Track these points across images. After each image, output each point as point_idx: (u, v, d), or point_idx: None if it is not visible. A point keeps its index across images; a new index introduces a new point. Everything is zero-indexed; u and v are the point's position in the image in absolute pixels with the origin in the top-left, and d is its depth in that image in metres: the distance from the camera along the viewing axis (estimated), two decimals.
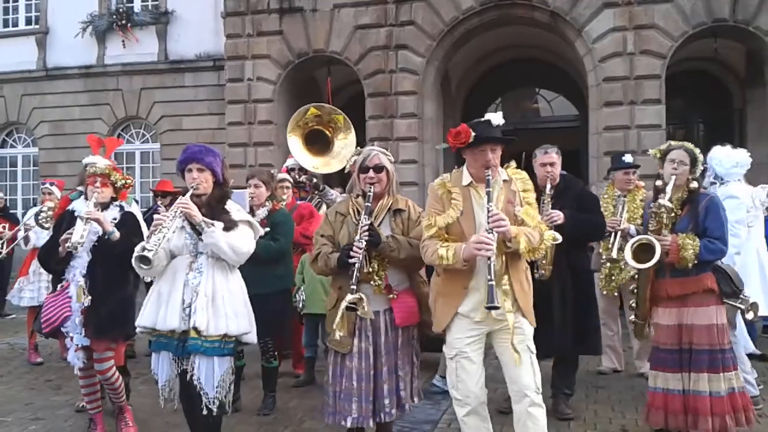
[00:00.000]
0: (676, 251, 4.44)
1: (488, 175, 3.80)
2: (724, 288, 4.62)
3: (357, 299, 3.88)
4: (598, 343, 5.64)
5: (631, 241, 4.57)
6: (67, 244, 4.75)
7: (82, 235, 4.75)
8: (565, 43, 12.99)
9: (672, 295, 4.56)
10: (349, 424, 4.06)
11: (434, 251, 3.81)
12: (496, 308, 3.60)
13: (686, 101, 14.47)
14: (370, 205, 4.06)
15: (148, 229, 4.42)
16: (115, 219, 5.02)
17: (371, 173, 4.13)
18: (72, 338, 4.92)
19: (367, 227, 3.97)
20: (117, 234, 4.89)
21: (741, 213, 5.63)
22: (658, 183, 4.72)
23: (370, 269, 4.03)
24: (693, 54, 13.01)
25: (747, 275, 5.57)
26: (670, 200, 4.58)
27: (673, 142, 4.85)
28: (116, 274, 4.94)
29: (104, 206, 5.06)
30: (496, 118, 3.88)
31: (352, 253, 3.91)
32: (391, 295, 4.09)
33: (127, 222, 5.05)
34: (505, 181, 3.97)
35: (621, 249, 6.44)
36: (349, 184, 4.42)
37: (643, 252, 4.48)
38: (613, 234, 6.43)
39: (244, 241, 4.20)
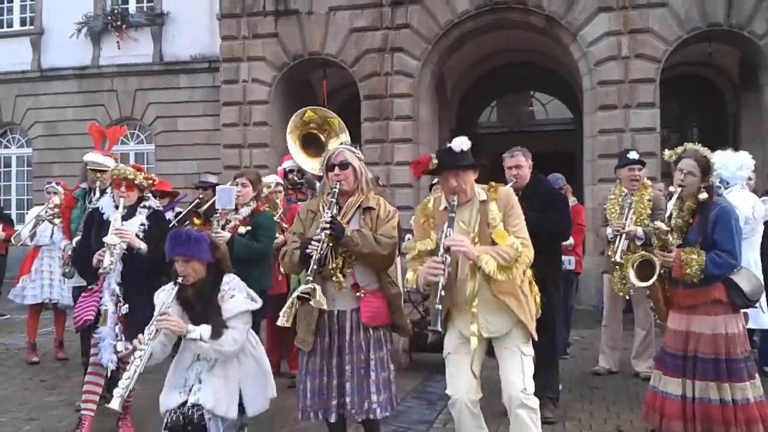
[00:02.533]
0: (678, 268, 4.36)
1: (452, 201, 3.84)
2: (735, 300, 4.44)
3: (310, 289, 3.84)
4: (558, 347, 5.52)
5: (631, 259, 4.50)
6: (99, 271, 4.86)
7: (112, 261, 4.83)
8: (560, 47, 13.02)
9: (682, 305, 4.51)
10: (312, 419, 4.09)
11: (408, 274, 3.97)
12: (438, 332, 3.67)
13: (681, 105, 14.51)
14: (334, 200, 4.06)
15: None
16: (143, 225, 5.09)
17: (336, 170, 4.13)
18: (113, 342, 4.96)
19: (329, 219, 3.95)
20: (144, 248, 4.96)
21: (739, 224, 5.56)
22: (672, 189, 4.58)
23: (334, 265, 4.02)
24: (687, 58, 13.05)
25: None
26: (678, 211, 4.48)
27: (689, 146, 4.66)
28: (148, 283, 4.95)
29: (131, 209, 5.13)
30: (458, 143, 3.85)
31: (310, 245, 3.91)
32: (358, 293, 4.08)
33: (153, 234, 5.08)
34: (482, 201, 3.92)
35: (624, 252, 6.36)
36: (321, 183, 4.44)
37: (648, 266, 4.44)
38: (618, 237, 6.31)
39: (232, 341, 4.18)
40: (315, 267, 3.89)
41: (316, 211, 4.19)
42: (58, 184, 8.06)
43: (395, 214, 4.24)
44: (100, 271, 4.86)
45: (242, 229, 5.64)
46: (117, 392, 3.93)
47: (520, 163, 5.44)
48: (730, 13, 11.78)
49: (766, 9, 11.68)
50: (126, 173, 5.13)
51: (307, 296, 3.84)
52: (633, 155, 6.71)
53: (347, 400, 4.01)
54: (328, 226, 3.93)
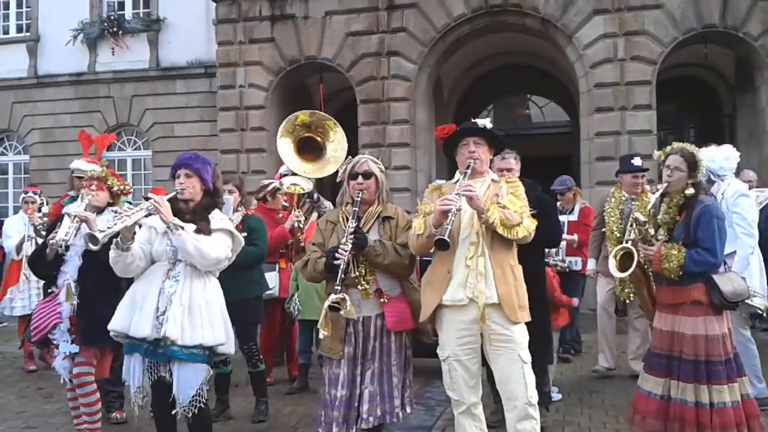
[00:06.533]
0: (658, 261, 4.36)
1: (469, 160, 4.02)
2: (714, 300, 4.37)
3: (340, 299, 3.86)
4: (550, 354, 5.48)
5: (615, 249, 4.56)
6: (52, 242, 4.60)
7: (67, 233, 4.58)
8: (556, 49, 13.03)
9: (664, 302, 4.52)
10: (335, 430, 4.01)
11: (412, 230, 3.99)
12: (443, 241, 3.67)
13: (677, 107, 14.55)
14: (357, 210, 4.08)
15: None
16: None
17: (360, 179, 4.16)
18: (58, 346, 4.76)
19: (353, 230, 3.98)
20: (102, 235, 4.54)
21: (754, 212, 5.59)
22: (660, 187, 4.59)
23: (357, 273, 4.03)
24: (683, 60, 13.07)
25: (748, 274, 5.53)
26: (667, 207, 4.48)
27: (675, 145, 4.64)
28: (107, 281, 4.73)
29: (99, 210, 4.89)
30: (482, 121, 4.19)
31: (337, 255, 3.93)
32: (382, 299, 4.08)
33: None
34: (493, 180, 4.13)
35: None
36: (340, 193, 4.43)
37: (629, 259, 4.49)
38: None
39: (214, 247, 4.12)
40: (343, 276, 3.90)
41: (336, 222, 4.22)
42: (35, 193, 7.99)
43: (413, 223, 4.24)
44: (52, 241, 4.58)
45: (242, 243, 5.62)
46: (101, 232, 3.92)
47: (511, 166, 5.38)
48: (725, 15, 11.80)
49: (760, 10, 11.70)
50: (100, 173, 4.94)
51: (337, 306, 3.86)
52: (638, 162, 6.70)
53: (364, 408, 3.99)
54: (353, 236, 3.95)
